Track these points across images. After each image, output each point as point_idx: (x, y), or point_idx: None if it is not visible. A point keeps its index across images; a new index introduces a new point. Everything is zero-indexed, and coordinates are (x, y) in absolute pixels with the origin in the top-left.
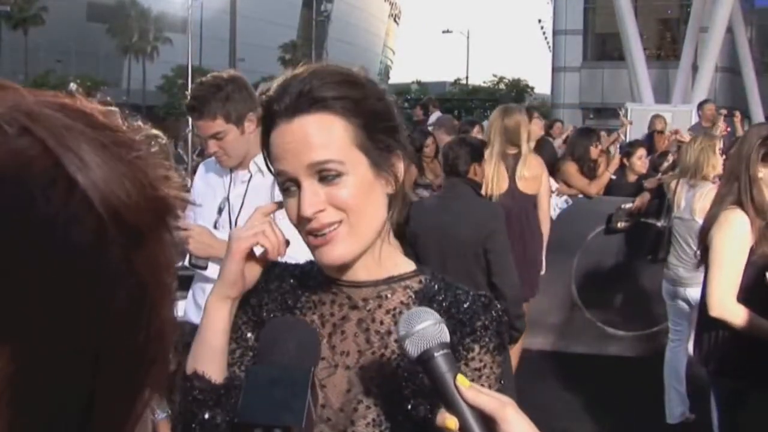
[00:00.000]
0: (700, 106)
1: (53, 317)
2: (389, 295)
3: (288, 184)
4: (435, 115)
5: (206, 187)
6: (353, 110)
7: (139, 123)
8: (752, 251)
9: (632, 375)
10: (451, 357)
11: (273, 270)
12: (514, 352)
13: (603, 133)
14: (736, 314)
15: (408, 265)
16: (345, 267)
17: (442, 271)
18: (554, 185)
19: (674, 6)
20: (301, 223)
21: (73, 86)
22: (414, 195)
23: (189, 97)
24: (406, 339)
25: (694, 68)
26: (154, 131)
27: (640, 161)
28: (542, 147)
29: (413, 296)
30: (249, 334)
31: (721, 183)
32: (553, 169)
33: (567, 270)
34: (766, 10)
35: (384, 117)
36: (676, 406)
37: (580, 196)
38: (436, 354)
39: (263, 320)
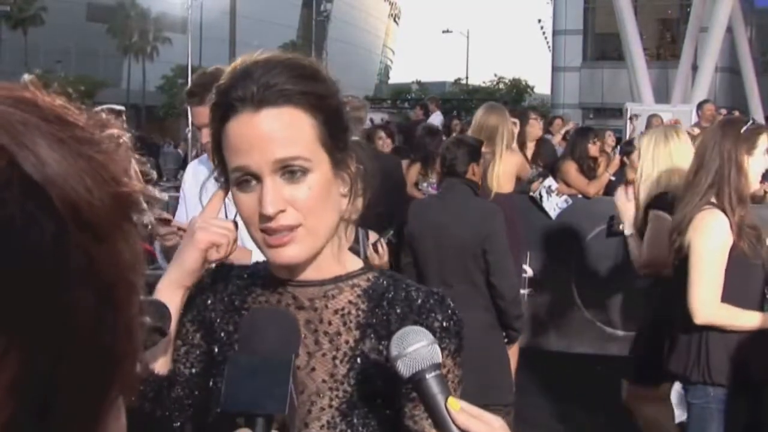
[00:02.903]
0: (700, 106)
1: (12, 320)
2: (336, 294)
3: (245, 179)
4: (435, 116)
5: (196, 185)
6: (318, 106)
7: (102, 114)
8: (732, 247)
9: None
10: (442, 378)
11: (219, 270)
12: (513, 353)
13: (609, 133)
14: (722, 316)
15: (355, 263)
16: (295, 266)
17: (441, 271)
18: (554, 185)
19: (674, 6)
20: (256, 220)
21: (26, 77)
22: (419, 193)
23: (190, 84)
24: (398, 360)
25: (694, 68)
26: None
27: None
28: (542, 147)
29: (361, 294)
30: (195, 333)
31: (691, 173)
32: (553, 169)
33: (567, 270)
34: (766, 10)
35: (342, 115)
36: (675, 407)
37: (580, 195)
38: (427, 376)
39: (210, 320)
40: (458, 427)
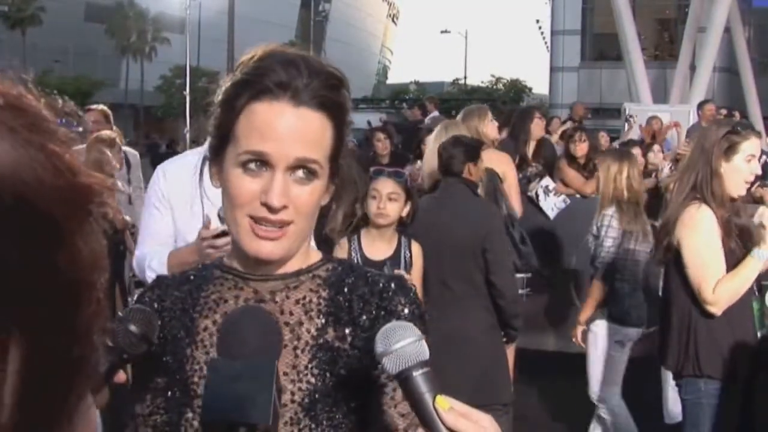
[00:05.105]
0: (701, 106)
1: None
2: (297, 286)
3: (254, 164)
4: (433, 115)
5: (183, 189)
6: (340, 119)
7: (64, 102)
8: (722, 243)
9: (632, 375)
10: (430, 375)
11: (158, 286)
12: (510, 351)
13: (603, 134)
14: (730, 288)
15: (316, 255)
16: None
17: (440, 270)
18: (551, 185)
19: (672, 6)
20: (252, 206)
21: None
22: None
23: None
24: (384, 357)
25: (692, 68)
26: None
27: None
28: (543, 147)
29: (322, 283)
30: (149, 373)
31: (680, 175)
32: (551, 168)
33: (566, 270)
34: (764, 10)
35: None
36: (674, 406)
37: (578, 195)
38: (414, 374)
39: (166, 338)
40: (447, 427)
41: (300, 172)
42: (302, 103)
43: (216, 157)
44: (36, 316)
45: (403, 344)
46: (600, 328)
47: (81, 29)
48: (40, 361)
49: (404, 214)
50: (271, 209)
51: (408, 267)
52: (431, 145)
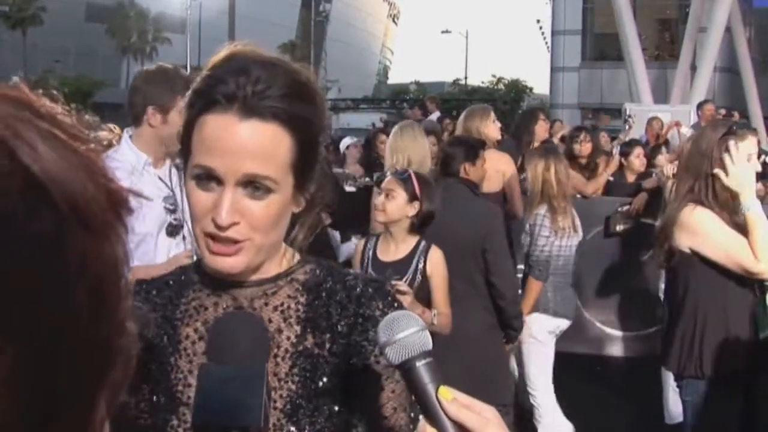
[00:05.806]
0: (700, 106)
1: (9, 314)
2: (275, 291)
3: (204, 179)
4: (435, 115)
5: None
6: (302, 129)
7: (87, 116)
8: None
9: (631, 375)
10: (433, 366)
11: (137, 292)
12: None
13: (603, 134)
14: (766, 250)
15: (293, 258)
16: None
17: None
18: None
19: (673, 6)
20: (206, 221)
21: (15, 78)
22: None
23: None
24: (387, 347)
25: (693, 68)
26: (110, 126)
27: (638, 160)
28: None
29: (300, 288)
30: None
31: (678, 180)
32: None
33: None
34: (764, 10)
35: (320, 141)
36: (674, 407)
37: (578, 196)
38: (417, 364)
39: (149, 346)
40: (450, 418)
41: (252, 188)
42: (252, 114)
43: (184, 165)
44: (74, 310)
45: (406, 334)
46: (533, 320)
47: (82, 29)
48: (76, 352)
49: (410, 214)
50: (219, 227)
51: (417, 275)
52: (389, 144)
